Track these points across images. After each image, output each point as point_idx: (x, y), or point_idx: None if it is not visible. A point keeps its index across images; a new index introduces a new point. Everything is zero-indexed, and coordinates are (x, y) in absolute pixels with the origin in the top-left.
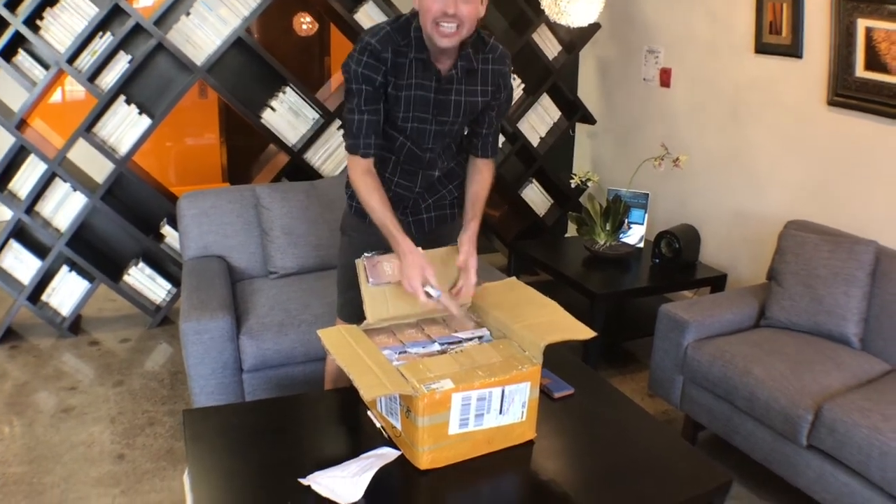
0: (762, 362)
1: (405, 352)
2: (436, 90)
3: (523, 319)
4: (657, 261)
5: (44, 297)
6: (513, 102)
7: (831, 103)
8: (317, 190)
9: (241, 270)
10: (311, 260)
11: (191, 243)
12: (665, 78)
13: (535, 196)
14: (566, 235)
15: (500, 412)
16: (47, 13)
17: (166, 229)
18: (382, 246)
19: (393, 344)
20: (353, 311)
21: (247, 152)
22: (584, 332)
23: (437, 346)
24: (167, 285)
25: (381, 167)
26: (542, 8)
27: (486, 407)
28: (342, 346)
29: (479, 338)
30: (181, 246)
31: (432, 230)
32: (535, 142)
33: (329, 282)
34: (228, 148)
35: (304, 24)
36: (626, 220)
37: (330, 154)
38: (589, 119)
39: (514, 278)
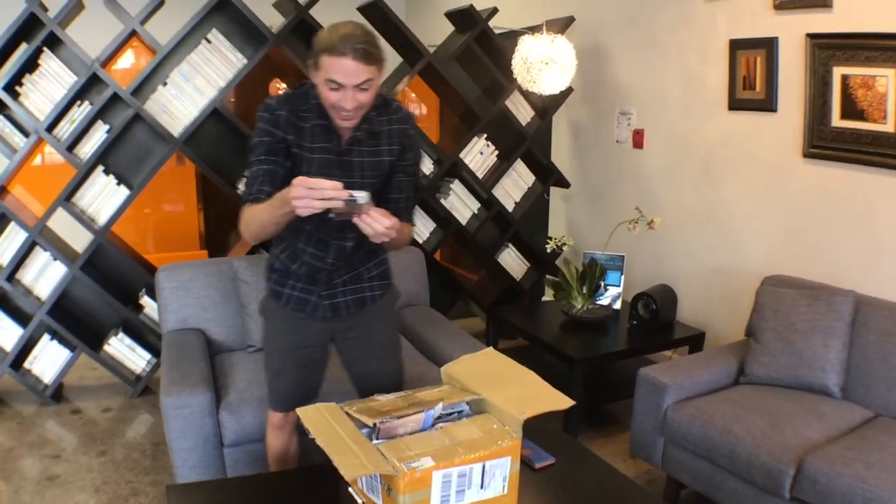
0: (742, 420)
1: (385, 422)
2: (339, 152)
3: (502, 392)
4: (635, 322)
5: (26, 364)
6: (487, 168)
7: (807, 155)
8: None
9: (219, 343)
10: None
11: (170, 316)
12: (638, 139)
13: (512, 260)
14: (544, 299)
15: (482, 487)
16: (27, 79)
17: (145, 300)
18: (298, 329)
19: (371, 421)
20: (283, 401)
21: (224, 219)
22: (563, 402)
23: (415, 420)
24: (147, 355)
25: (295, 237)
26: (514, 76)
27: (468, 483)
28: (321, 424)
29: (459, 412)
30: (160, 319)
31: (350, 314)
32: (510, 207)
33: None
34: (206, 215)
35: (281, 91)
36: (603, 283)
37: None
38: (563, 183)
39: (491, 349)
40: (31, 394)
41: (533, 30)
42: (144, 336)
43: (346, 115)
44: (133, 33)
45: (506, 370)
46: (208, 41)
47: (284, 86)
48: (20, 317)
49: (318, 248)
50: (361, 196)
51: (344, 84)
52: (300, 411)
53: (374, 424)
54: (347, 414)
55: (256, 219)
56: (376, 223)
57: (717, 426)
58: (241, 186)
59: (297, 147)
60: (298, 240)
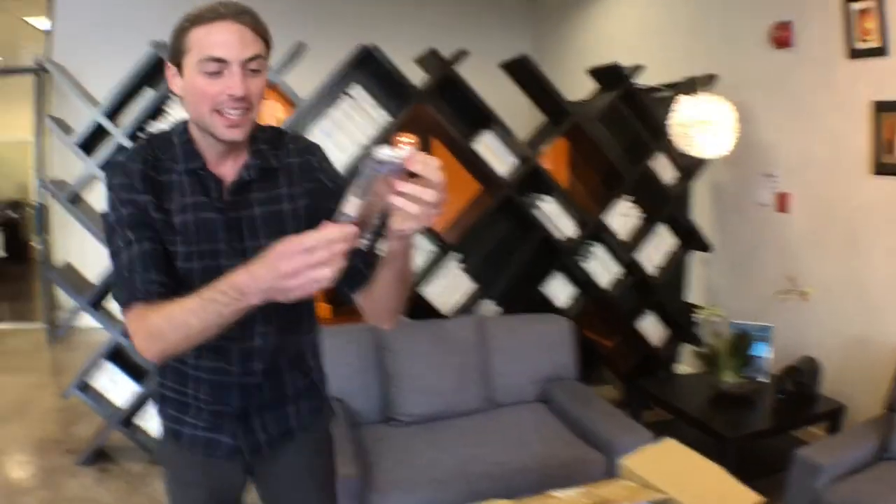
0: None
1: None
2: (223, 208)
3: (687, 490)
4: (782, 396)
5: (136, 420)
6: (629, 232)
7: None
8: (443, 330)
9: (360, 414)
10: (437, 407)
11: None
12: (782, 203)
13: (652, 327)
14: (683, 370)
15: None
16: (149, 125)
17: None
18: (209, 474)
19: None
20: None
21: None
22: (750, 499)
23: None
24: None
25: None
26: (665, 135)
27: None
28: None
29: None
30: None
31: (274, 448)
32: (650, 270)
33: (456, 434)
34: None
35: (404, 144)
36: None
37: (445, 288)
38: (704, 246)
39: (671, 440)
40: (140, 451)
41: (676, 87)
42: None
43: (233, 115)
44: (271, 86)
45: (689, 464)
46: (350, 96)
47: (408, 140)
48: (136, 372)
49: (212, 358)
50: (354, 202)
51: (228, 59)
52: None
53: None
54: None
55: (180, 325)
56: (419, 194)
57: None
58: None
59: (158, 212)
60: (185, 355)
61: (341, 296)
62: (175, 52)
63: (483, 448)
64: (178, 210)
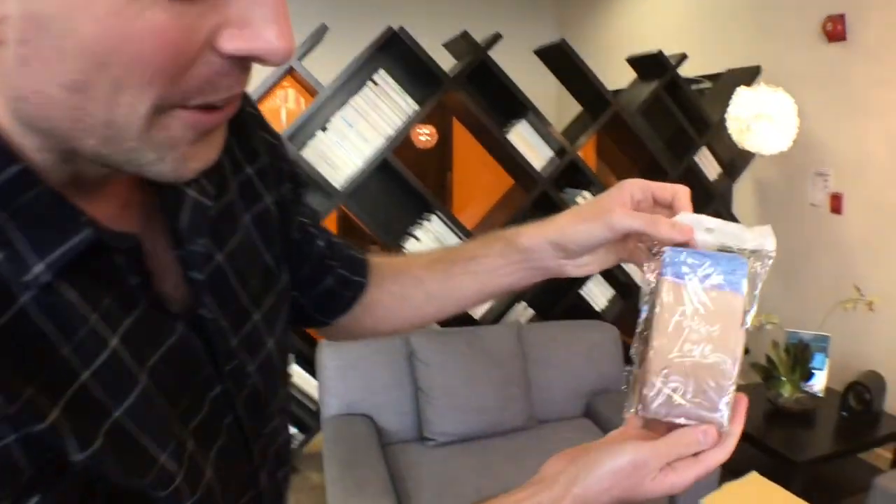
0: None
1: None
2: (169, 327)
3: None
4: (845, 414)
5: None
6: None
7: None
8: (480, 339)
9: (390, 433)
10: (475, 425)
11: (332, 399)
12: (836, 204)
13: None
14: None
15: None
16: None
17: (294, 368)
18: None
19: None
20: None
21: None
22: None
23: None
24: (293, 430)
25: None
26: (709, 128)
27: None
28: None
29: None
30: (321, 401)
31: None
32: None
33: (498, 456)
34: None
35: (423, 135)
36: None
37: None
38: None
39: (755, 474)
40: None
41: (713, 78)
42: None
43: (224, 99)
44: (289, 71)
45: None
46: (374, 83)
47: (427, 132)
48: None
49: None
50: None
51: None
52: None
53: None
54: None
55: None
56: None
57: None
58: (408, 246)
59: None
60: None
61: (310, 324)
62: None
63: (531, 473)
64: (83, 360)
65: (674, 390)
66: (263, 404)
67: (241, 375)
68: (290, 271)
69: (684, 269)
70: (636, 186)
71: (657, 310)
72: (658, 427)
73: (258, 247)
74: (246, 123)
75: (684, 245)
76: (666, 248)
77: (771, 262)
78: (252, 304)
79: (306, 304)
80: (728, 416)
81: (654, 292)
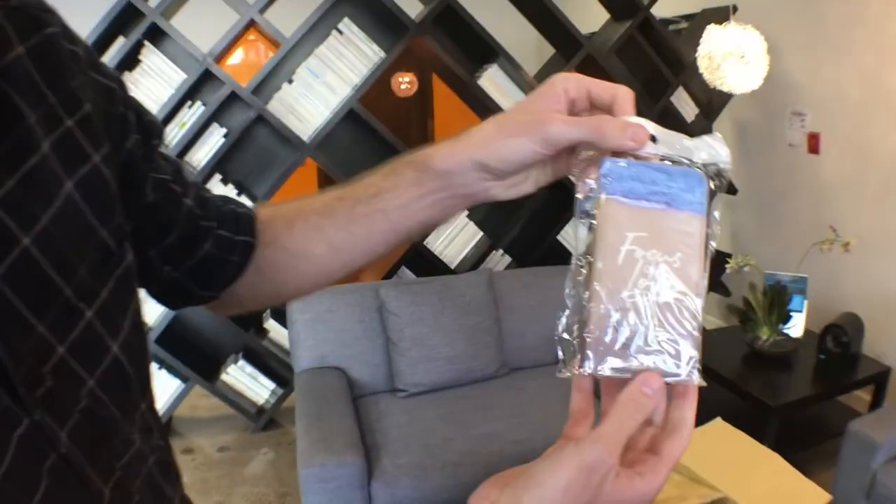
0: None
1: None
2: None
3: (747, 488)
4: (823, 357)
5: None
6: None
7: None
8: (449, 289)
9: (362, 385)
10: (447, 375)
11: (303, 353)
12: (813, 143)
13: None
14: (710, 324)
15: None
16: (126, 78)
17: (270, 323)
18: None
19: None
20: None
21: None
22: (820, 498)
23: None
24: (271, 385)
25: None
26: (685, 69)
27: None
28: None
29: None
30: (292, 355)
31: None
32: None
33: (468, 405)
34: None
35: (403, 83)
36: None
37: (452, 239)
38: (730, 189)
39: (721, 421)
40: None
41: (696, 18)
42: (268, 363)
43: None
44: (250, 24)
45: (744, 452)
46: (339, 32)
47: (408, 79)
48: None
49: None
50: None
51: None
52: None
53: None
54: None
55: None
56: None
57: None
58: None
59: None
60: None
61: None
62: None
63: (500, 423)
64: None
65: (627, 339)
66: (111, 430)
67: (63, 400)
68: (152, 242)
69: (631, 184)
70: (570, 82)
71: (600, 239)
72: (611, 394)
73: (88, 221)
74: (63, 63)
75: (629, 155)
76: (604, 159)
77: (727, 176)
78: (81, 300)
79: (182, 278)
80: (696, 365)
81: (594, 216)
